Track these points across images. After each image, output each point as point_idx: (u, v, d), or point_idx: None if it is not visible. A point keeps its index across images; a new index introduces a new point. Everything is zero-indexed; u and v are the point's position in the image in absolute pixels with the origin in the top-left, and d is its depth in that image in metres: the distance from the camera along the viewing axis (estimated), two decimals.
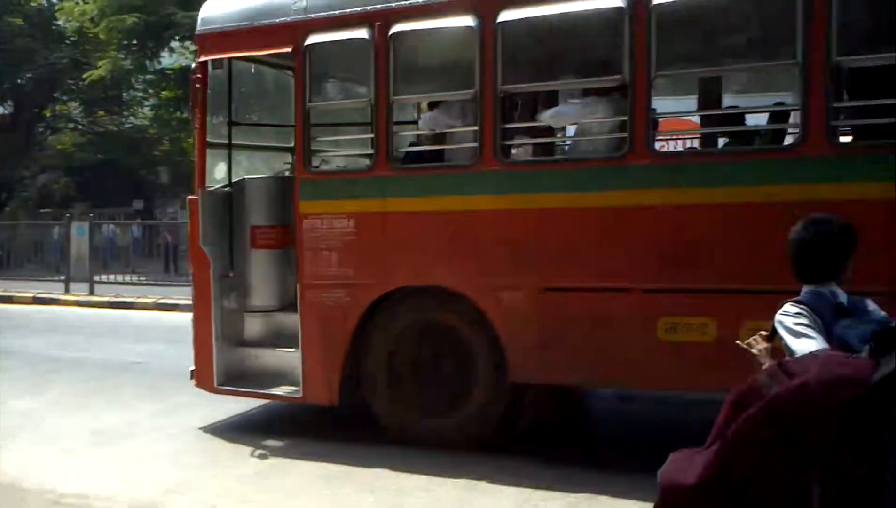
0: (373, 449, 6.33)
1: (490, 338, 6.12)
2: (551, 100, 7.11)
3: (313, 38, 6.49)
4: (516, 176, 6.07)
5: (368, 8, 6.29)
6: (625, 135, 5.63)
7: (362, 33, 6.28)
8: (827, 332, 3.08)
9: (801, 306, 3.20)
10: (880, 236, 5.01)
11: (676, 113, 7.40)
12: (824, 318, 3.12)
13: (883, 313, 3.21)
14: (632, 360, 5.70)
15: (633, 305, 5.66)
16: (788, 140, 5.96)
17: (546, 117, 6.40)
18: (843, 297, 3.24)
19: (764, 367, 3.19)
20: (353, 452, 6.31)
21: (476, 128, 6.04)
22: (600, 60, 6.14)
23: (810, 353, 1.79)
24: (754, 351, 3.30)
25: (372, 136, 6.39)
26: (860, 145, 5.15)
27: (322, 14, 6.49)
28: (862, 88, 5.50)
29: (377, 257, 6.38)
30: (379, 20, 6.22)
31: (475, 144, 6.05)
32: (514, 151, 6.33)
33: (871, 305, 3.25)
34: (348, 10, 6.39)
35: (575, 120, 6.35)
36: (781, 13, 5.41)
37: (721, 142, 6.51)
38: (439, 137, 6.57)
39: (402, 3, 6.18)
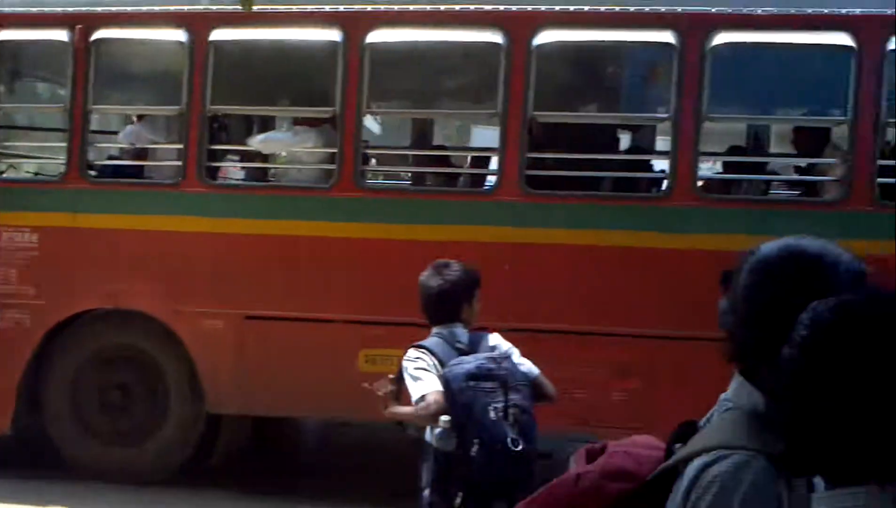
0: (54, 485, 5.82)
1: (187, 366, 5.88)
2: (267, 125, 7.02)
3: (4, 35, 5.96)
4: (221, 199, 5.91)
5: (70, 9, 5.87)
6: (333, 167, 5.66)
7: (61, 35, 5.85)
8: None
9: (422, 349, 3.42)
10: (562, 278, 5.42)
11: (387, 147, 7.57)
12: (444, 359, 3.35)
13: (505, 348, 3.48)
14: (334, 391, 5.70)
15: (335, 336, 5.67)
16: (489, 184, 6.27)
17: (255, 142, 6.29)
18: (463, 336, 3.47)
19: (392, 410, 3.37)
20: (30, 489, 5.74)
21: (181, 146, 5.81)
22: (314, 91, 6.16)
23: (632, 438, 1.75)
24: (380, 394, 3.42)
25: (65, 144, 5.95)
26: (551, 194, 5.52)
27: (17, 9, 5.98)
28: (556, 142, 5.93)
29: (65, 276, 5.91)
30: (80, 23, 5.81)
31: (179, 164, 5.82)
32: (223, 173, 6.17)
33: (494, 340, 3.52)
34: (47, 9, 5.93)
35: (285, 147, 6.30)
36: (486, 65, 5.70)
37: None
38: (142, 153, 6.25)
39: (108, 8, 5.84)
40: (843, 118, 5.34)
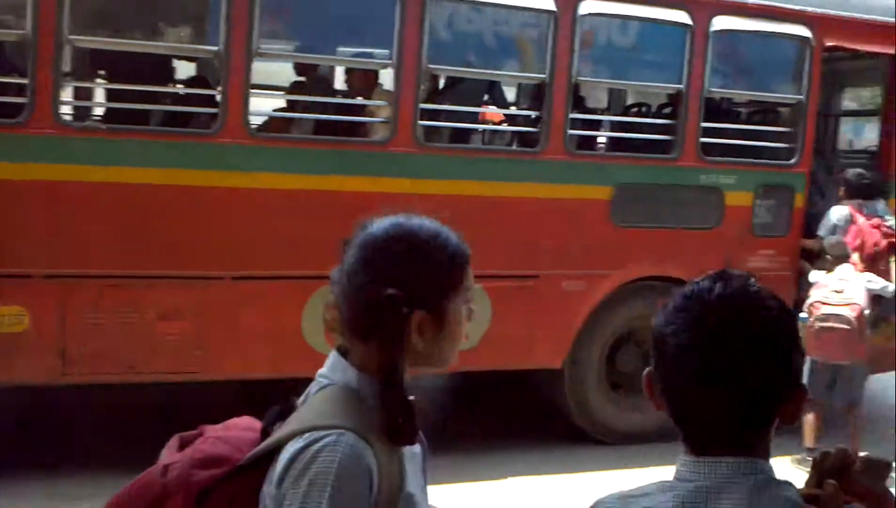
0: None
1: None
2: None
3: None
4: None
5: None
6: None
7: None
8: None
9: None
10: (104, 220, 4.96)
11: None
12: None
13: None
14: None
15: None
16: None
17: None
18: None
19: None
20: None
21: None
22: None
23: (230, 421, 1.63)
24: None
25: None
26: (89, 127, 4.99)
27: None
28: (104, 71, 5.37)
29: None
30: None
31: None
32: None
33: None
34: None
35: None
36: None
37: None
38: None
39: None
40: (389, 62, 5.49)
